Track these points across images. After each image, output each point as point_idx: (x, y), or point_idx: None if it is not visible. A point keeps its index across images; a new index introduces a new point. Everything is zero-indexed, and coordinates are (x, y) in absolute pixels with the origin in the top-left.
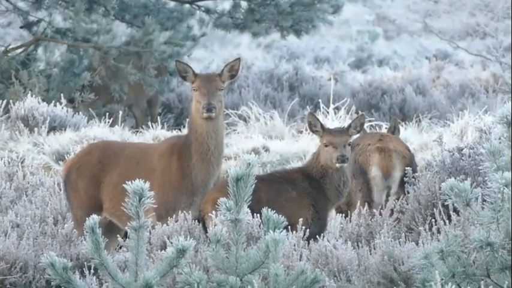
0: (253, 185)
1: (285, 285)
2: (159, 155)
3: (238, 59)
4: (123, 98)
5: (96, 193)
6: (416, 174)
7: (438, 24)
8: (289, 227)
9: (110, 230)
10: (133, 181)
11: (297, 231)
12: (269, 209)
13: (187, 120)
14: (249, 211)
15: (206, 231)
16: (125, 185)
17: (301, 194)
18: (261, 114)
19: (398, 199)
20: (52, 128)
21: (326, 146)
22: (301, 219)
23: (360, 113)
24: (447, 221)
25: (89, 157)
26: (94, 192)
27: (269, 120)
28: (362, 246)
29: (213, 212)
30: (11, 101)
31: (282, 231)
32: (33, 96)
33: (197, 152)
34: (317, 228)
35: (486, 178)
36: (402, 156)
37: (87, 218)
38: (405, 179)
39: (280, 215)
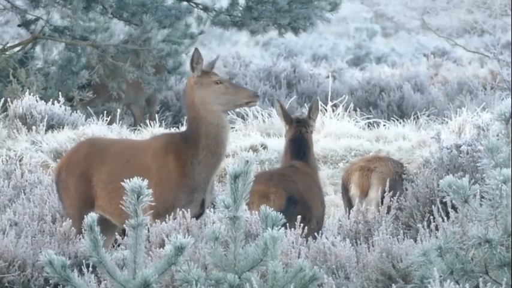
0: (290, 177)
1: (283, 283)
2: (153, 154)
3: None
4: (122, 96)
5: (87, 190)
6: (396, 197)
7: (436, 21)
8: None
9: (105, 226)
10: (124, 179)
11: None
12: (306, 199)
13: (190, 117)
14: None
15: None
16: (122, 183)
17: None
18: (259, 112)
19: None
20: (50, 126)
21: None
22: (299, 217)
23: (315, 99)
24: (445, 218)
25: (76, 155)
26: (84, 189)
27: (267, 118)
28: (360, 244)
29: (258, 204)
30: (8, 99)
31: (280, 228)
32: (31, 94)
33: (207, 148)
34: (322, 221)
35: (484, 175)
36: (382, 178)
37: (80, 216)
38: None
39: (316, 205)
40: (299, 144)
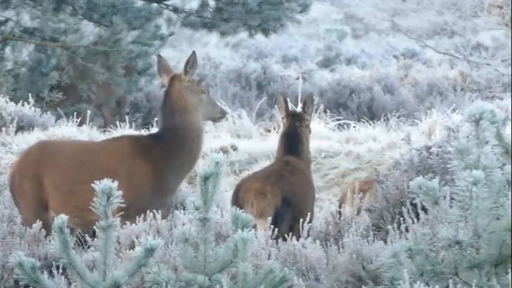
0: (288, 178)
1: (253, 284)
2: (119, 157)
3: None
4: (92, 98)
5: (40, 193)
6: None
7: (406, 22)
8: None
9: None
10: (82, 182)
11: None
12: (300, 201)
13: (176, 119)
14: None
15: None
16: (92, 185)
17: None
18: (229, 113)
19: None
20: (20, 128)
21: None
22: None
23: (308, 95)
24: (415, 220)
25: (27, 159)
26: (37, 192)
27: (237, 119)
28: (330, 245)
29: (256, 200)
30: None
31: (250, 230)
32: (1, 95)
33: (190, 151)
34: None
35: (454, 176)
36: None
37: (36, 219)
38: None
39: (308, 203)
40: (292, 137)
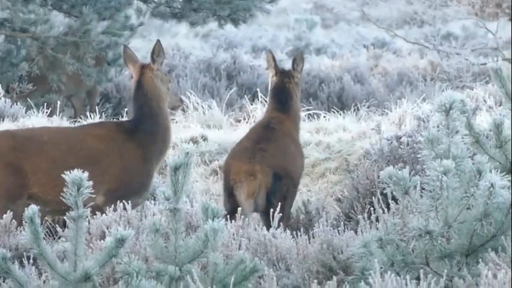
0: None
1: (224, 274)
2: (109, 140)
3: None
4: (62, 88)
5: (16, 181)
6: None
7: (376, 12)
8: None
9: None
10: (72, 167)
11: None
12: (289, 169)
13: (148, 107)
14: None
15: (234, 203)
16: (63, 175)
17: None
18: (199, 104)
19: None
20: None
21: None
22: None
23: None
24: (386, 210)
25: None
26: (13, 180)
27: (207, 110)
28: (301, 235)
29: (246, 182)
30: None
31: (220, 220)
32: None
33: (162, 139)
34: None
35: (425, 166)
36: None
37: (5, 208)
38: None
39: (297, 166)
40: (280, 93)
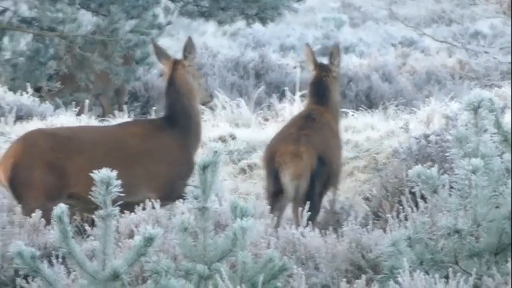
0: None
1: (253, 273)
2: (147, 138)
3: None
4: (90, 87)
5: (55, 181)
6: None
7: (403, 11)
8: None
9: None
10: (114, 166)
11: None
12: (330, 157)
13: (181, 103)
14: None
15: (278, 185)
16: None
17: None
18: (227, 102)
19: None
20: (19, 118)
21: None
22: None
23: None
24: (414, 208)
25: (36, 148)
26: (52, 180)
27: (235, 108)
28: (329, 234)
29: (292, 163)
30: None
31: (249, 218)
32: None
33: (195, 135)
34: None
35: (453, 165)
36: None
37: (45, 207)
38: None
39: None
40: (318, 87)
